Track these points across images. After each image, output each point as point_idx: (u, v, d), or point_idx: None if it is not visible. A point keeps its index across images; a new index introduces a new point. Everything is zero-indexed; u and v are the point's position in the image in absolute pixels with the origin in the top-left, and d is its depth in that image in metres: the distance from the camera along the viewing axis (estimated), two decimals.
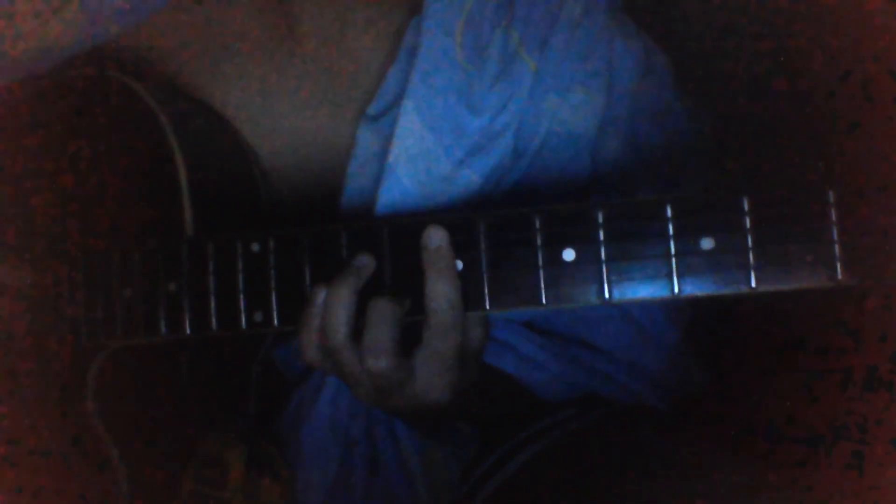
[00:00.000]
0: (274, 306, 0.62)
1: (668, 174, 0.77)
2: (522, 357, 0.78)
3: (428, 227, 0.58)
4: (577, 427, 0.77)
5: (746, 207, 0.52)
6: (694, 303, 0.82)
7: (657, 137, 0.77)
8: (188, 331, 0.64)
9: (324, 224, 0.62)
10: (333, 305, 0.58)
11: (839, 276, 0.51)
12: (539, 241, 0.57)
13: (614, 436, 0.76)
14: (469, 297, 0.58)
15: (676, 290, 0.54)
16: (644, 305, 0.78)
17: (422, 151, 0.71)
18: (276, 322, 0.62)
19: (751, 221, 0.52)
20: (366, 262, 0.60)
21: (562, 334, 0.80)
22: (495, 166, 0.73)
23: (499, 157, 0.73)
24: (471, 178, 0.73)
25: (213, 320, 0.64)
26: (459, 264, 0.59)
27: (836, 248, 0.51)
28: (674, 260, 0.54)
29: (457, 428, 0.81)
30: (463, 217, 0.59)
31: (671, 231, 0.54)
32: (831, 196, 0.51)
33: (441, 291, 0.57)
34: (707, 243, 0.53)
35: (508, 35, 0.73)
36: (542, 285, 0.57)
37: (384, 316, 0.58)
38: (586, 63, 0.74)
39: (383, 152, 0.72)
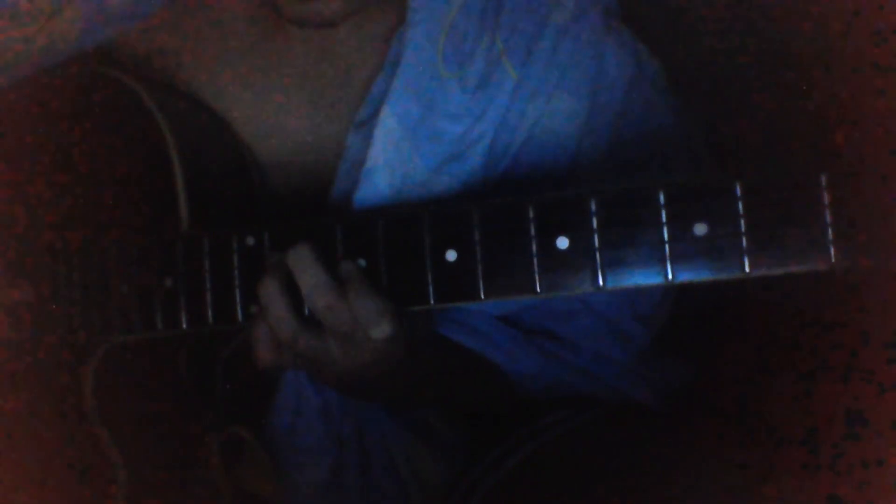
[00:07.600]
0: None
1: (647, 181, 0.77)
2: (502, 349, 0.78)
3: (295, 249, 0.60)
4: (571, 427, 0.77)
5: (739, 192, 0.52)
6: (677, 300, 0.82)
7: (640, 147, 0.77)
8: (185, 326, 0.64)
9: (318, 217, 0.62)
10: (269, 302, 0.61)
11: (832, 260, 0.51)
12: (533, 230, 0.57)
13: (609, 436, 0.75)
14: (464, 286, 0.58)
15: (670, 276, 0.54)
16: (610, 301, 0.78)
17: (399, 158, 0.73)
18: None
19: (744, 206, 0.52)
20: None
21: (528, 326, 0.80)
22: (472, 172, 0.74)
23: (473, 164, 0.74)
24: (449, 184, 0.74)
25: (210, 315, 0.64)
26: (453, 255, 0.59)
27: (830, 231, 0.51)
28: (667, 246, 0.54)
29: (438, 429, 0.81)
30: (457, 207, 0.59)
31: (664, 217, 0.54)
32: (824, 180, 0.51)
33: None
34: (700, 229, 0.53)
35: (493, 43, 0.74)
36: (537, 273, 0.56)
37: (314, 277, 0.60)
38: (572, 70, 0.75)
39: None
